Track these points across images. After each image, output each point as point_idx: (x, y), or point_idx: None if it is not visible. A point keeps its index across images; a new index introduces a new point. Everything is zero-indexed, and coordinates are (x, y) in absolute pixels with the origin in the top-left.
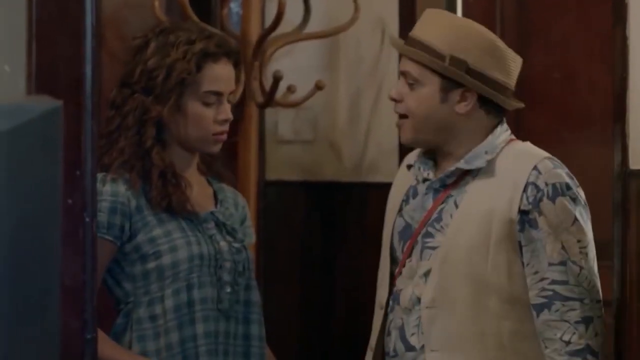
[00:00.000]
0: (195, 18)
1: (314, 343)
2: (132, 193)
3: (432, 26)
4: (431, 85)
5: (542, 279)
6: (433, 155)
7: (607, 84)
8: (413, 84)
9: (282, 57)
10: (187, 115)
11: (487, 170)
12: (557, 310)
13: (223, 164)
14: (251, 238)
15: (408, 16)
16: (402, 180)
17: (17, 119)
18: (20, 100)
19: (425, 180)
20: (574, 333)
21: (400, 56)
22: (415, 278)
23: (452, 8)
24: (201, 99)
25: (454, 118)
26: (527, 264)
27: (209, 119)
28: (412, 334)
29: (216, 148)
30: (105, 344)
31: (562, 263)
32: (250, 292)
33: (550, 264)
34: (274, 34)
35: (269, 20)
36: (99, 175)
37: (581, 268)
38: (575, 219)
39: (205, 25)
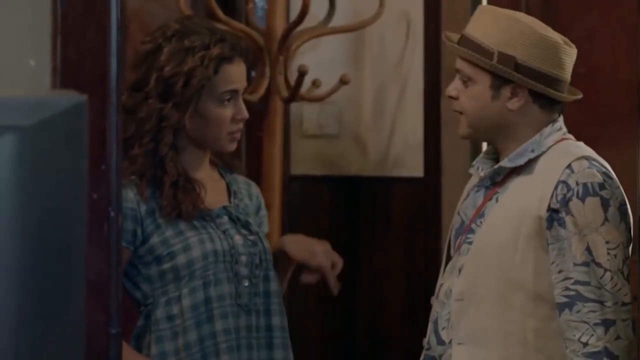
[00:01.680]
0: (220, 13)
1: (337, 338)
2: (141, 198)
3: (482, 23)
4: (482, 83)
5: (566, 279)
6: (494, 155)
7: (632, 80)
8: (466, 81)
9: (307, 51)
10: (207, 118)
11: (530, 168)
12: (578, 311)
13: (233, 154)
14: (265, 227)
15: (433, 10)
16: (470, 182)
17: (42, 114)
18: (45, 95)
19: (480, 178)
20: (592, 335)
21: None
22: (454, 272)
23: (477, 2)
24: (218, 100)
25: (506, 115)
26: (553, 262)
27: (227, 119)
28: (443, 328)
29: (232, 146)
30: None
31: (585, 264)
32: (269, 283)
33: (574, 264)
34: (298, 29)
35: (293, 15)
36: None
37: (606, 270)
38: (606, 220)
39: (211, 23)
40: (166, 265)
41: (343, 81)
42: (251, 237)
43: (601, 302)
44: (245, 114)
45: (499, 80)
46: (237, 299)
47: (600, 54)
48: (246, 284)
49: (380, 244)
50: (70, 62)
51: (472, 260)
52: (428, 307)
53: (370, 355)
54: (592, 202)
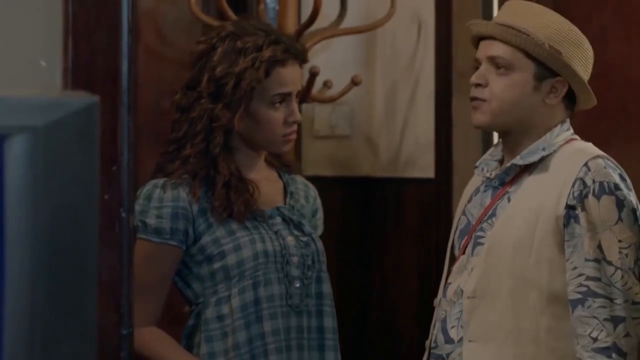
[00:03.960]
0: (231, 13)
1: (350, 339)
2: (193, 197)
3: (524, 15)
4: (525, 71)
5: (580, 275)
6: (498, 157)
7: None
8: (504, 68)
9: (318, 52)
10: (258, 120)
11: (542, 167)
12: (589, 307)
13: (291, 158)
14: (320, 230)
15: (444, 10)
16: (471, 183)
17: (53, 114)
18: (56, 96)
19: (487, 179)
20: (602, 330)
21: (478, 42)
22: (464, 272)
23: (489, 2)
24: (270, 102)
25: (539, 109)
26: (568, 259)
27: (278, 121)
28: (452, 327)
29: (286, 148)
30: (158, 342)
31: (596, 261)
32: (322, 285)
33: (586, 260)
34: (310, 30)
35: (305, 16)
36: (160, 181)
37: (616, 268)
38: (620, 219)
39: (268, 25)
40: (217, 265)
41: (355, 82)
42: (304, 238)
43: (610, 299)
44: (297, 116)
45: (543, 72)
46: (288, 300)
47: (613, 52)
48: (297, 285)
49: (391, 245)
50: (81, 63)
51: (486, 258)
52: None
53: (383, 355)
54: (607, 200)
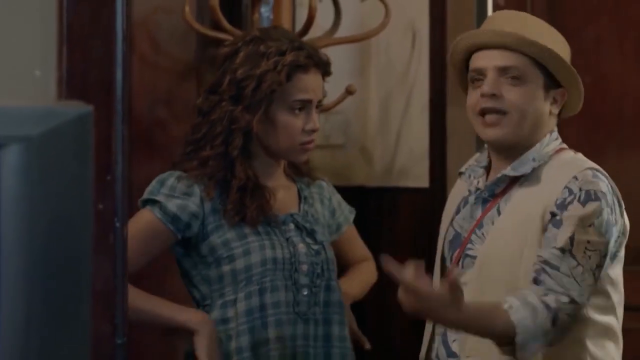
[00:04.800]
0: (225, 23)
1: None
2: (207, 197)
3: (524, 25)
4: (536, 82)
5: (538, 256)
6: (484, 163)
7: None
8: (516, 79)
9: None
10: (276, 125)
11: (532, 178)
12: (544, 281)
13: (310, 166)
14: (349, 219)
15: (439, 20)
16: (456, 190)
17: (48, 124)
18: (51, 105)
19: (476, 189)
20: (556, 296)
21: (472, 54)
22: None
23: (482, 10)
24: (290, 108)
25: (545, 120)
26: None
27: (297, 128)
28: (454, 340)
29: (303, 157)
30: (137, 294)
31: (562, 250)
32: (330, 293)
33: (549, 245)
34: (304, 39)
35: (299, 25)
36: (177, 172)
37: (579, 264)
38: (593, 224)
39: (294, 34)
40: (225, 268)
41: (349, 91)
42: (315, 247)
43: (566, 288)
44: (315, 125)
45: (549, 83)
46: (295, 307)
47: (607, 62)
48: (305, 292)
49: (386, 254)
50: (76, 72)
51: (479, 273)
52: None
53: None
54: (592, 205)
